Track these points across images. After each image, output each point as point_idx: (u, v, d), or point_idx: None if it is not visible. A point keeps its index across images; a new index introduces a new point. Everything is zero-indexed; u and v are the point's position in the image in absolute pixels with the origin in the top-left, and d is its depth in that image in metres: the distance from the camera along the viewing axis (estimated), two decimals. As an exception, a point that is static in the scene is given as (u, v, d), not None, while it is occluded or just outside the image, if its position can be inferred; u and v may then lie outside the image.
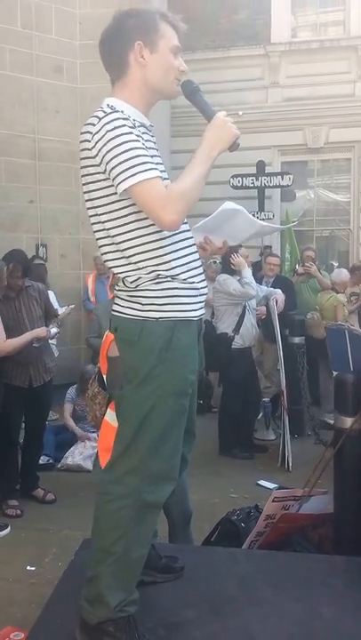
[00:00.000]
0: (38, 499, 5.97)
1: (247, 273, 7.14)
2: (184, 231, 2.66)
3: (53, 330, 5.96)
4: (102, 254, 2.68)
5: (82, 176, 2.61)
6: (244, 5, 14.33)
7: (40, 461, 6.50)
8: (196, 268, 2.68)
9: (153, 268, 2.55)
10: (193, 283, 2.65)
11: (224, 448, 7.33)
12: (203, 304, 2.73)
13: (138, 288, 2.58)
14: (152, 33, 2.63)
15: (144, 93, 2.68)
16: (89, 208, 2.64)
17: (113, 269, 2.66)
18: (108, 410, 2.97)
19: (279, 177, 13.38)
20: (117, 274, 2.65)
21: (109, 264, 2.66)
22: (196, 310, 2.66)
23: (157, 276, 2.56)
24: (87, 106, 9.89)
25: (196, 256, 2.72)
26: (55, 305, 8.56)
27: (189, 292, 2.63)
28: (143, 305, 2.56)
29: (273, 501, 3.97)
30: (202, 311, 2.72)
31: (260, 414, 8.13)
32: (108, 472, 2.67)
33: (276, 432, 7.90)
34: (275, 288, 7.73)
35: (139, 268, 2.56)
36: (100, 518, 2.68)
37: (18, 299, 5.79)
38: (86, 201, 2.64)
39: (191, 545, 4.08)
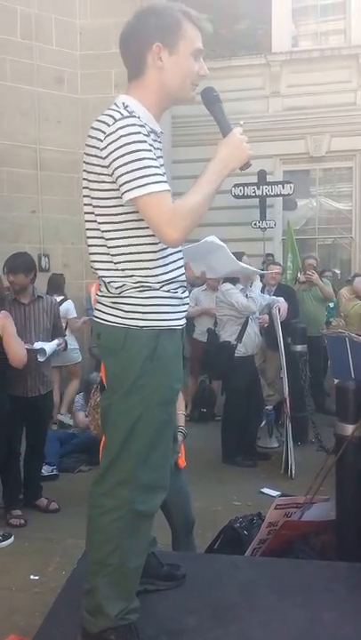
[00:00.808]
0: (42, 508, 5.98)
1: (257, 288, 7.18)
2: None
3: (52, 344, 5.92)
4: (91, 254, 2.63)
5: (84, 171, 2.55)
6: (245, 15, 14.42)
7: (44, 472, 6.52)
8: (180, 281, 2.63)
9: (139, 278, 2.50)
10: (176, 293, 2.60)
11: (227, 456, 7.34)
12: (185, 314, 2.68)
13: (122, 294, 2.53)
14: (173, 34, 2.53)
15: (160, 97, 2.60)
16: (85, 204, 2.59)
17: (98, 272, 2.60)
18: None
19: (280, 186, 13.44)
20: (102, 277, 2.59)
21: (96, 265, 2.60)
22: (179, 320, 2.62)
23: (142, 285, 2.51)
24: (88, 116, 9.93)
25: (182, 271, 2.66)
26: (73, 314, 8.62)
27: (173, 300, 2.57)
28: (126, 312, 2.52)
29: (275, 509, 3.96)
30: (184, 320, 2.68)
31: (263, 422, 8.14)
32: (98, 484, 2.64)
33: (279, 440, 7.90)
34: (277, 296, 7.74)
35: (126, 276, 2.51)
36: (93, 531, 2.66)
37: (29, 307, 5.84)
38: (84, 197, 2.59)
39: (194, 552, 4.09)
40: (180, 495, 4.04)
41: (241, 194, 13.27)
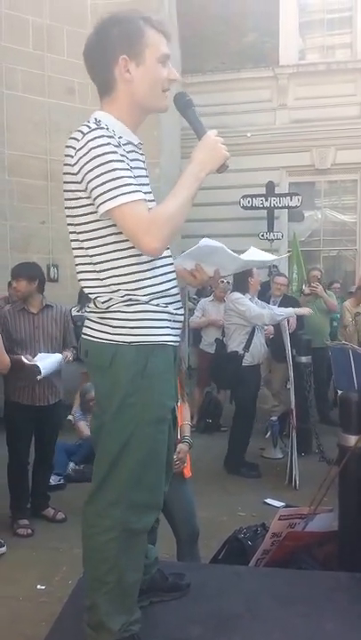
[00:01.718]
0: (48, 518, 6.00)
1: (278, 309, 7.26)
2: (164, 257, 2.55)
3: (52, 360, 5.77)
4: (78, 273, 2.57)
5: (64, 191, 2.50)
6: (253, 28, 14.49)
7: (52, 482, 6.55)
8: (172, 295, 2.58)
9: (126, 292, 2.45)
10: (166, 307, 2.53)
11: (232, 467, 7.35)
12: (178, 330, 2.61)
13: (109, 309, 2.48)
14: (137, 43, 2.45)
15: (133, 109, 2.54)
16: (69, 224, 2.54)
17: (86, 289, 2.56)
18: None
19: (288, 198, 13.48)
20: (89, 294, 2.55)
21: (83, 283, 2.56)
22: (170, 335, 2.55)
23: (130, 299, 2.45)
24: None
25: (174, 283, 2.61)
26: None
27: (162, 315, 2.51)
28: (114, 327, 2.46)
29: (279, 519, 3.97)
30: (178, 337, 2.61)
31: (268, 433, 8.17)
32: (90, 504, 2.60)
33: (283, 450, 7.92)
34: (282, 307, 7.77)
35: (112, 290, 2.46)
36: (89, 550, 2.62)
37: (37, 316, 5.82)
38: (67, 217, 2.54)
39: (198, 562, 4.12)
40: (185, 505, 4.08)
41: (249, 205, 13.31)
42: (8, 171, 10.10)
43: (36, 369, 5.54)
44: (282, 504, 5.56)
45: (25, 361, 5.56)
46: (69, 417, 8.25)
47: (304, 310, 7.59)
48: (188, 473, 4.12)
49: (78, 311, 8.38)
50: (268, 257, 3.07)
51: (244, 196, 13.23)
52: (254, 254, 2.93)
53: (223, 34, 14.47)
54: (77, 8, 10.48)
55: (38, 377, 5.55)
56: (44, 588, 4.69)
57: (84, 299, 8.71)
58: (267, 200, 13.36)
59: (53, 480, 6.67)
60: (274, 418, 8.11)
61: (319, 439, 7.48)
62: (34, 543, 5.53)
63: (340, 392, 5.36)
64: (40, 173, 10.26)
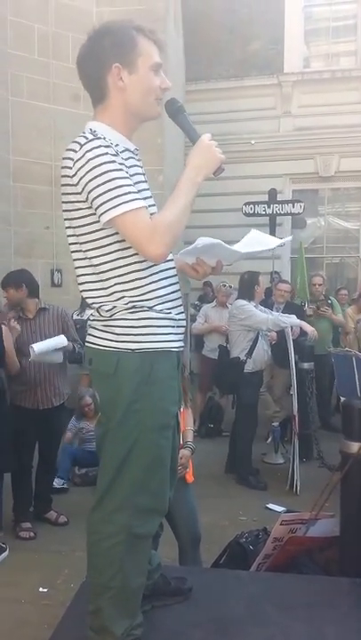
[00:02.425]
0: (51, 521, 6.01)
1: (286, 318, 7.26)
2: (167, 261, 2.53)
3: (46, 341, 5.65)
4: (80, 283, 2.58)
5: (62, 202, 2.52)
6: (257, 36, 14.55)
7: (55, 485, 6.60)
8: (174, 300, 2.59)
9: (130, 299, 2.45)
10: (170, 314, 2.54)
11: (240, 476, 7.31)
12: (181, 336, 2.62)
13: (113, 317, 2.49)
14: (129, 51, 2.47)
15: (126, 117, 2.55)
16: (69, 235, 2.56)
17: (88, 299, 2.56)
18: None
19: (290, 205, 13.46)
20: (92, 303, 2.55)
21: (85, 294, 2.57)
22: (174, 341, 2.56)
23: (133, 306, 2.46)
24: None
25: (176, 287, 2.62)
26: None
27: (166, 322, 2.52)
28: (118, 335, 2.47)
29: (281, 524, 3.98)
30: (181, 343, 2.62)
31: (270, 439, 8.18)
32: (95, 510, 2.60)
33: (284, 456, 7.93)
34: (286, 314, 7.78)
35: (116, 298, 2.46)
36: (93, 556, 2.63)
37: (33, 321, 5.84)
38: (66, 228, 2.56)
39: (200, 567, 4.13)
40: (187, 510, 4.09)
41: (252, 212, 13.30)
42: (13, 176, 10.12)
43: (30, 350, 5.51)
44: (283, 509, 5.56)
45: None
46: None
47: (308, 329, 7.57)
48: (190, 478, 4.13)
49: (79, 315, 8.39)
50: (269, 243, 3.03)
51: (247, 203, 13.23)
52: (255, 239, 2.90)
53: (228, 42, 14.52)
54: (83, 16, 10.49)
55: (30, 358, 5.53)
56: (46, 590, 4.70)
57: (85, 303, 8.76)
58: (269, 207, 13.35)
59: (57, 483, 6.71)
60: (275, 423, 8.12)
61: (319, 445, 7.49)
62: (36, 546, 5.55)
63: (342, 399, 5.37)
64: (44, 179, 10.27)
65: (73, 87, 10.31)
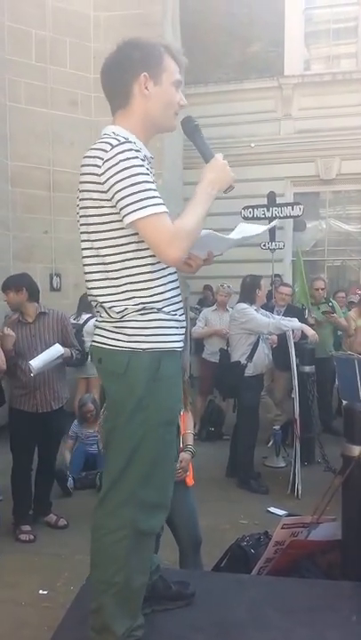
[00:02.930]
0: (51, 524, 5.99)
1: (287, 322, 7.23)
2: (170, 266, 2.64)
3: (43, 355, 5.60)
4: (88, 281, 2.66)
5: (80, 199, 2.63)
6: (257, 38, 14.55)
7: (68, 485, 6.76)
8: (178, 302, 2.70)
9: (140, 300, 2.55)
10: (175, 315, 2.65)
11: (242, 480, 7.28)
12: (183, 336, 2.73)
13: (124, 319, 2.57)
14: (156, 65, 2.63)
15: (145, 125, 2.69)
16: (83, 233, 2.65)
17: (98, 298, 2.63)
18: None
19: (290, 207, 13.41)
20: (102, 303, 2.61)
21: (95, 292, 2.64)
22: (179, 342, 2.67)
23: (144, 307, 2.55)
24: (101, 138, 10.02)
25: (178, 290, 2.73)
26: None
27: (172, 323, 2.63)
28: (129, 336, 2.56)
29: (282, 528, 3.96)
30: (183, 343, 2.73)
31: (271, 442, 8.15)
32: (100, 505, 2.67)
33: (286, 459, 7.91)
34: (286, 317, 7.76)
35: (127, 298, 2.55)
36: (97, 552, 2.67)
37: (33, 325, 5.82)
38: (80, 225, 2.67)
39: (201, 570, 4.11)
40: (187, 513, 4.07)
41: (250, 215, 13.25)
42: (11, 181, 10.14)
43: (28, 368, 5.52)
44: (284, 512, 5.54)
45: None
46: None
47: (309, 332, 7.54)
48: (190, 481, 4.11)
49: (75, 319, 8.39)
50: (257, 230, 3.09)
51: (246, 207, 13.19)
52: (244, 229, 3.00)
53: (227, 44, 14.53)
54: (80, 21, 10.55)
55: (32, 374, 5.52)
56: (46, 593, 4.69)
57: (81, 307, 8.79)
58: (268, 210, 13.32)
59: (69, 484, 6.83)
60: (277, 427, 8.10)
61: (323, 449, 7.46)
62: (36, 549, 5.53)
63: (344, 402, 5.35)
64: (43, 184, 10.30)
65: (71, 92, 10.41)
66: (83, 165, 2.57)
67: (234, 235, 2.94)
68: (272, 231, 13.25)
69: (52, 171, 10.30)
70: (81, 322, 8.44)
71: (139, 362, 2.55)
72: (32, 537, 5.70)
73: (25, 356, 5.67)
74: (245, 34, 14.58)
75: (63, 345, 5.83)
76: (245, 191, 12.61)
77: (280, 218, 13.26)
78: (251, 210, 13.19)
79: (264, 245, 13.03)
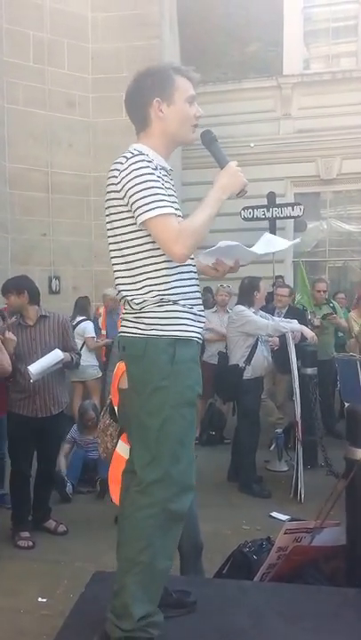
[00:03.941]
0: (50, 530, 5.92)
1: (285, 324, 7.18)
2: (189, 264, 2.91)
3: (42, 361, 5.57)
4: (116, 279, 2.93)
5: (106, 208, 2.89)
6: (256, 38, 14.54)
7: (68, 491, 6.71)
8: (195, 298, 2.94)
9: (157, 292, 2.80)
10: (192, 308, 2.89)
11: (244, 484, 7.20)
12: (201, 329, 2.95)
13: (143, 310, 2.83)
14: (168, 87, 2.91)
15: (165, 141, 2.99)
16: (110, 237, 2.91)
17: (122, 292, 2.90)
18: (120, 441, 3.06)
19: (290, 208, 13.42)
20: (125, 296, 2.88)
21: (120, 287, 2.91)
22: (195, 332, 2.89)
23: (161, 300, 2.81)
24: (99, 139, 10.03)
25: (197, 287, 2.98)
26: (89, 333, 8.67)
27: (188, 315, 2.86)
28: (147, 325, 2.81)
29: (285, 533, 3.94)
30: (200, 335, 2.94)
31: (273, 445, 8.10)
32: (133, 484, 2.84)
33: (288, 463, 7.85)
34: (287, 319, 7.71)
35: (146, 292, 2.82)
36: (125, 528, 2.85)
37: (34, 327, 5.78)
38: (108, 230, 2.92)
39: (202, 577, 4.06)
40: (188, 519, 4.00)
41: (250, 216, 13.26)
42: (9, 183, 10.14)
43: (27, 374, 5.51)
44: (287, 517, 5.49)
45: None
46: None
47: (309, 334, 7.48)
48: (191, 486, 4.05)
49: (70, 321, 8.40)
50: (281, 244, 3.49)
51: (245, 208, 13.18)
52: (269, 241, 3.37)
53: (225, 44, 14.52)
54: (78, 22, 10.58)
55: (31, 380, 5.50)
56: (45, 600, 4.63)
57: (76, 310, 8.81)
58: (268, 211, 13.31)
59: (68, 490, 6.77)
60: (279, 430, 8.05)
61: (326, 452, 7.41)
62: (35, 555, 5.47)
63: (347, 404, 5.30)
64: (41, 186, 10.31)
65: (68, 93, 10.41)
66: (107, 178, 2.85)
67: (260, 246, 3.27)
68: (272, 232, 13.23)
69: (51, 172, 10.30)
70: (73, 323, 8.44)
71: (155, 346, 2.78)
72: (31, 543, 5.63)
73: (25, 359, 5.63)
74: (244, 33, 14.56)
75: (64, 349, 5.79)
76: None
77: (280, 218, 13.26)
78: (251, 210, 13.20)
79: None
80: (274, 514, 6.26)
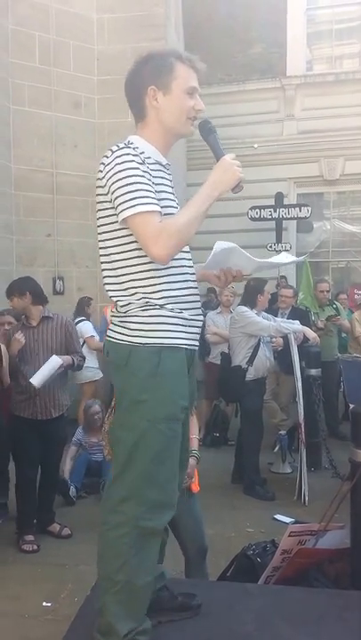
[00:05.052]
0: (54, 534, 5.92)
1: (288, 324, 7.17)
2: (182, 266, 2.75)
3: (42, 371, 5.56)
4: (103, 277, 2.77)
5: (97, 203, 2.73)
6: (259, 39, 14.55)
7: (71, 494, 6.72)
8: (188, 302, 2.75)
9: (142, 295, 2.64)
10: (181, 313, 2.69)
11: (247, 486, 7.22)
12: (194, 335, 2.77)
13: (127, 314, 2.67)
14: (165, 75, 2.71)
15: (161, 133, 2.80)
16: (99, 233, 2.75)
17: (109, 293, 2.75)
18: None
19: (297, 209, 13.46)
20: (112, 297, 2.74)
21: (107, 287, 2.76)
22: (184, 339, 2.70)
23: (146, 303, 2.64)
24: (105, 140, 10.01)
25: (193, 291, 2.79)
26: (88, 333, 8.67)
27: (176, 320, 2.67)
28: (131, 330, 2.65)
29: (289, 536, 3.92)
30: (193, 342, 2.77)
31: (277, 447, 8.09)
32: (105, 501, 2.73)
33: (292, 465, 7.84)
34: (290, 319, 7.71)
35: (131, 294, 2.66)
36: (101, 547, 2.71)
37: (37, 329, 5.78)
38: (98, 227, 2.75)
39: (207, 580, 4.06)
40: (193, 521, 4.03)
41: (257, 216, 13.28)
42: (14, 185, 10.15)
43: (30, 385, 5.54)
44: (291, 520, 5.49)
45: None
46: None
47: (311, 335, 7.47)
48: (195, 488, 4.07)
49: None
50: (283, 258, 3.28)
51: (253, 208, 13.21)
52: (276, 258, 3.19)
53: (229, 46, 14.52)
54: (83, 23, 10.56)
55: (37, 388, 5.54)
56: (49, 605, 4.63)
57: (77, 311, 8.84)
58: (275, 211, 13.34)
59: (71, 493, 6.77)
60: (282, 432, 8.03)
61: (331, 454, 7.40)
62: (39, 559, 5.47)
63: (351, 406, 5.28)
64: (46, 187, 10.30)
65: (74, 94, 10.40)
66: (98, 172, 2.70)
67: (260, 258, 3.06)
68: (279, 232, 13.26)
69: (55, 173, 10.29)
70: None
71: (138, 355, 2.62)
72: (36, 547, 5.63)
73: (27, 360, 5.67)
74: (248, 35, 14.57)
75: (66, 351, 5.80)
76: (249, 192, 12.60)
77: (287, 219, 13.26)
78: (258, 211, 13.24)
79: (270, 247, 13.01)
80: (278, 516, 6.27)
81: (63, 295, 10.17)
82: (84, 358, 6.14)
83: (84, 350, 7.84)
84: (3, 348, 5.87)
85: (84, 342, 8.48)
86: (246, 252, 2.89)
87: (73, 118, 10.43)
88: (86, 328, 8.78)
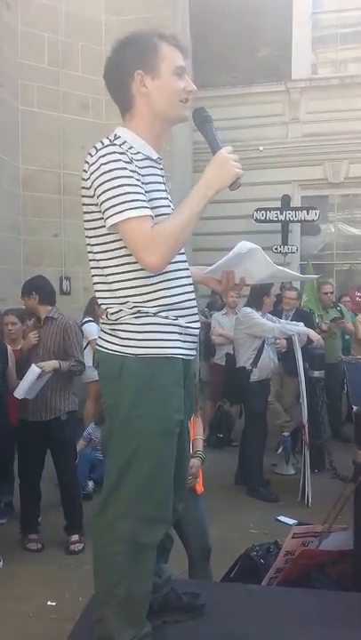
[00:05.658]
0: (66, 542, 5.74)
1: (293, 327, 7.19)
2: (177, 269, 2.57)
3: (24, 380, 5.52)
4: (93, 283, 2.63)
5: (82, 205, 2.57)
6: (264, 42, 14.53)
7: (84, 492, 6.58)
8: (184, 308, 2.59)
9: (134, 304, 2.48)
10: (176, 320, 2.54)
11: (251, 487, 7.23)
12: (190, 344, 2.62)
13: (118, 321, 2.52)
14: (151, 58, 2.52)
15: (153, 123, 2.60)
16: (87, 237, 2.60)
17: (99, 300, 2.61)
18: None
19: (304, 211, 13.47)
20: (102, 304, 2.60)
21: (97, 294, 2.61)
22: (179, 348, 2.55)
23: (138, 311, 2.48)
24: (112, 141, 10.03)
25: (189, 296, 2.63)
26: (93, 335, 8.64)
27: (171, 328, 2.52)
28: (122, 339, 2.50)
29: (292, 537, 3.93)
30: (189, 352, 2.62)
31: (280, 449, 8.10)
32: (99, 516, 2.61)
33: (295, 467, 7.86)
34: (294, 321, 7.73)
35: (122, 302, 2.50)
36: (97, 562, 2.64)
37: (42, 328, 5.81)
38: (85, 229, 2.60)
39: (210, 581, 4.07)
40: (197, 522, 4.04)
41: (263, 218, 13.29)
42: (22, 185, 10.19)
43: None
44: (294, 522, 5.49)
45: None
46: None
47: (315, 336, 7.49)
48: (200, 489, 4.07)
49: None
50: (293, 275, 3.28)
51: (258, 209, 13.21)
52: (247, 245, 2.96)
53: (235, 48, 14.50)
54: (92, 25, 10.59)
55: (31, 396, 5.55)
56: (54, 604, 4.65)
57: (86, 311, 8.81)
58: (282, 213, 13.35)
59: (90, 488, 6.85)
60: (286, 433, 8.05)
61: (331, 456, 7.41)
62: (43, 559, 5.49)
63: (355, 408, 5.30)
64: (53, 187, 10.34)
65: (82, 95, 10.44)
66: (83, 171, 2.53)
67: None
68: (285, 235, 13.27)
69: (63, 174, 10.32)
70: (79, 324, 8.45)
71: (131, 368, 2.48)
72: (40, 546, 5.65)
73: (30, 358, 5.73)
74: (253, 38, 14.55)
75: (64, 354, 5.76)
76: (254, 195, 12.62)
77: (293, 222, 13.27)
78: (263, 212, 13.25)
79: (276, 249, 13.02)
80: (281, 518, 6.28)
81: (70, 295, 10.20)
82: (80, 363, 5.89)
83: (87, 350, 7.85)
84: (9, 348, 5.90)
85: (88, 344, 8.47)
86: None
87: (80, 119, 10.46)
88: (91, 330, 8.76)
